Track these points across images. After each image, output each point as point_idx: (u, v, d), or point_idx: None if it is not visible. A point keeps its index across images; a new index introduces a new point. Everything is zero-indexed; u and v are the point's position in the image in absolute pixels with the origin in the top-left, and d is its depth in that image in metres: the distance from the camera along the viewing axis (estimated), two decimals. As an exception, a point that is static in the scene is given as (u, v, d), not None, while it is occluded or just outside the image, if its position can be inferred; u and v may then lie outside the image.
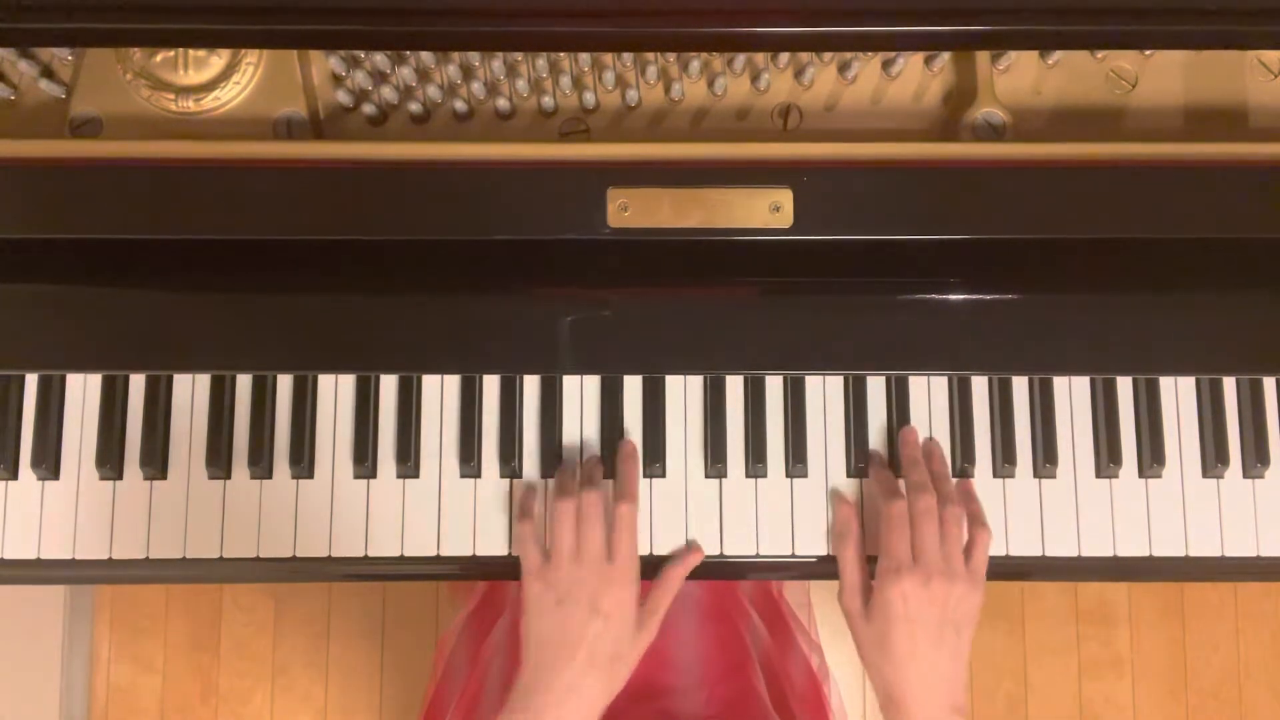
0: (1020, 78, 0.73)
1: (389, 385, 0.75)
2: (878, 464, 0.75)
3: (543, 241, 0.65)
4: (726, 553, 0.74)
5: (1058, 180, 0.65)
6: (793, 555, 0.74)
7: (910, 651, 0.65)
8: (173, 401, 0.75)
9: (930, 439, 0.75)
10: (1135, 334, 0.70)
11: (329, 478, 0.74)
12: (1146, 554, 0.74)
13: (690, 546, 0.74)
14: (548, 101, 0.72)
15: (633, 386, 0.76)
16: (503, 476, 0.74)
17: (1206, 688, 1.66)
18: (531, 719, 0.64)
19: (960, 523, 0.69)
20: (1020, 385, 0.76)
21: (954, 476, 0.75)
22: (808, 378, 0.75)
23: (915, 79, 0.73)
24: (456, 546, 0.74)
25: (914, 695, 0.65)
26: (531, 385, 0.75)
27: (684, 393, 0.75)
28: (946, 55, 0.72)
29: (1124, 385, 0.76)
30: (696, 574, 0.76)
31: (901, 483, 0.72)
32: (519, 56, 0.71)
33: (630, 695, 0.81)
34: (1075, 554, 0.74)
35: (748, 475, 0.75)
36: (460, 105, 0.72)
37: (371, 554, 0.74)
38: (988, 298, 0.70)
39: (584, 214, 0.64)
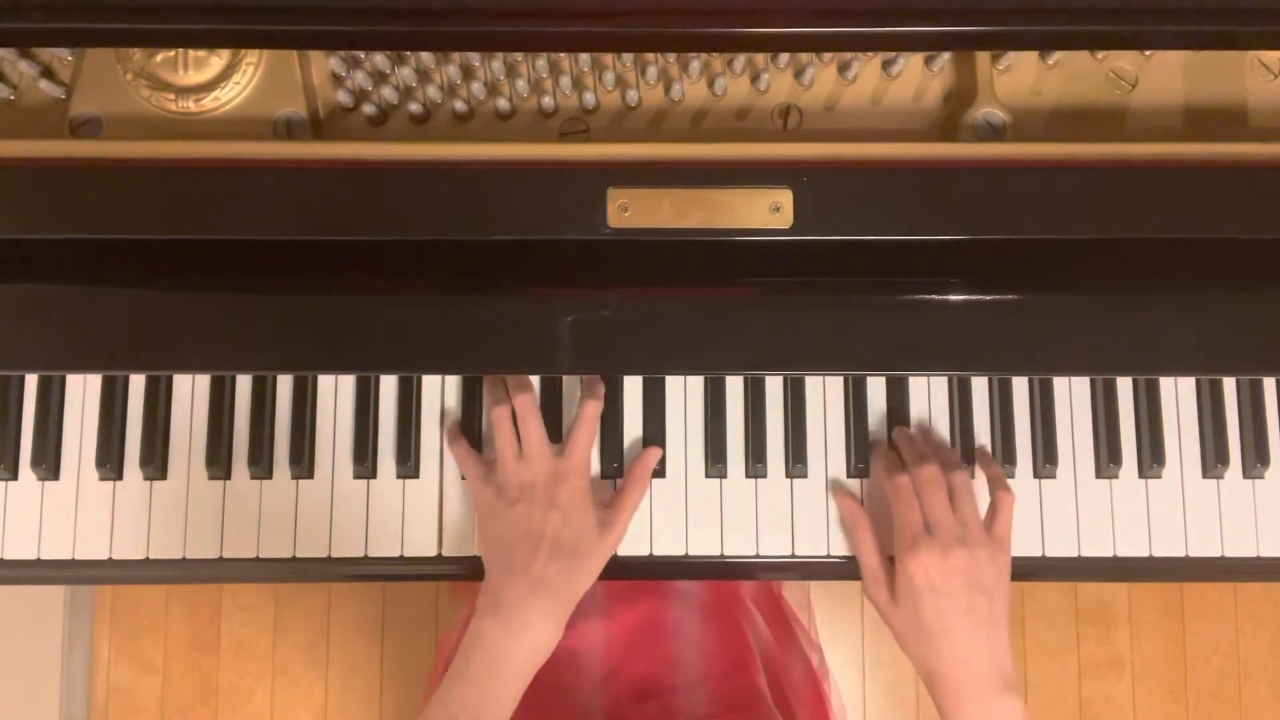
0: (1020, 78, 0.73)
1: (389, 385, 0.75)
2: (879, 450, 0.74)
3: (543, 242, 0.65)
4: (727, 553, 0.74)
5: (1058, 180, 0.65)
6: (793, 555, 0.74)
7: (944, 627, 0.63)
8: (173, 402, 0.75)
9: (916, 427, 0.75)
10: (1135, 334, 0.70)
11: (329, 478, 0.74)
12: (1146, 554, 0.74)
13: (649, 450, 0.73)
14: (548, 101, 0.72)
15: (633, 386, 0.76)
16: (503, 476, 0.74)
17: (1206, 688, 1.66)
18: (500, 620, 0.64)
19: (969, 488, 0.68)
20: (1020, 385, 0.76)
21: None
22: (808, 378, 0.76)
23: (915, 79, 0.73)
24: (456, 546, 0.74)
25: (956, 671, 0.62)
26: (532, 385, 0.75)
27: (684, 393, 0.75)
28: (946, 55, 0.72)
29: (1124, 385, 0.76)
30: (697, 573, 0.76)
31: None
32: (519, 56, 0.71)
33: (633, 693, 0.81)
34: (1075, 554, 0.74)
35: (748, 475, 0.75)
36: (460, 105, 0.72)
37: (371, 554, 0.74)
38: (987, 298, 0.70)
39: (584, 214, 0.64)
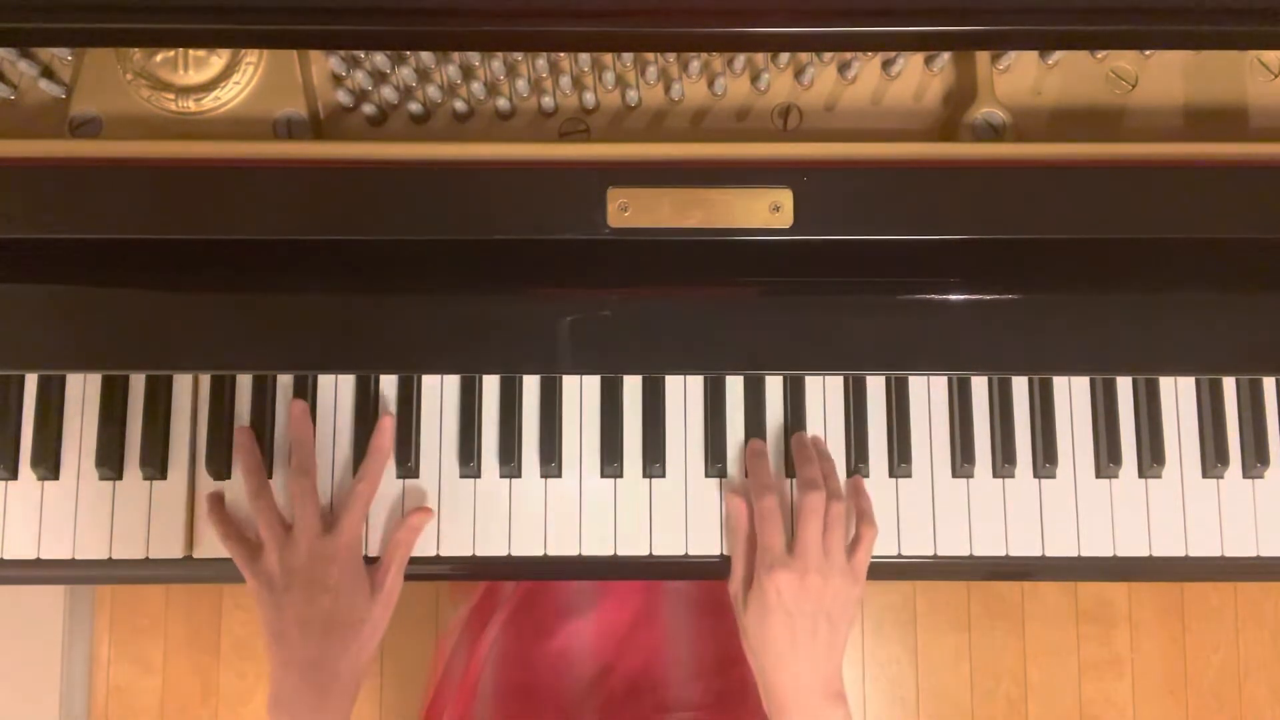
0: (1020, 78, 0.73)
1: (389, 385, 0.75)
2: (756, 453, 0.74)
3: (543, 241, 0.65)
4: (726, 552, 0.74)
5: (1058, 180, 0.65)
6: (793, 555, 0.74)
7: (786, 645, 0.66)
8: (173, 401, 0.75)
9: (816, 437, 0.75)
10: (1135, 334, 0.70)
11: (329, 478, 0.74)
12: (1146, 554, 0.74)
13: (417, 510, 0.73)
14: (548, 101, 0.72)
15: (633, 386, 0.76)
16: (502, 477, 0.74)
17: (1206, 688, 1.66)
18: (288, 710, 0.64)
19: (843, 520, 0.70)
20: (1020, 385, 0.76)
21: (954, 476, 0.75)
22: (808, 378, 0.76)
23: (915, 79, 0.73)
24: (457, 547, 0.74)
25: (788, 685, 0.66)
26: (531, 385, 0.75)
27: (684, 393, 0.75)
28: (946, 55, 0.72)
29: (1124, 385, 0.76)
30: (697, 573, 0.76)
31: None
32: (519, 56, 0.71)
33: (627, 689, 0.81)
34: (1075, 554, 0.74)
35: (748, 475, 0.75)
36: (460, 105, 0.72)
37: (371, 554, 0.74)
38: (987, 298, 0.70)
39: (584, 214, 0.64)
